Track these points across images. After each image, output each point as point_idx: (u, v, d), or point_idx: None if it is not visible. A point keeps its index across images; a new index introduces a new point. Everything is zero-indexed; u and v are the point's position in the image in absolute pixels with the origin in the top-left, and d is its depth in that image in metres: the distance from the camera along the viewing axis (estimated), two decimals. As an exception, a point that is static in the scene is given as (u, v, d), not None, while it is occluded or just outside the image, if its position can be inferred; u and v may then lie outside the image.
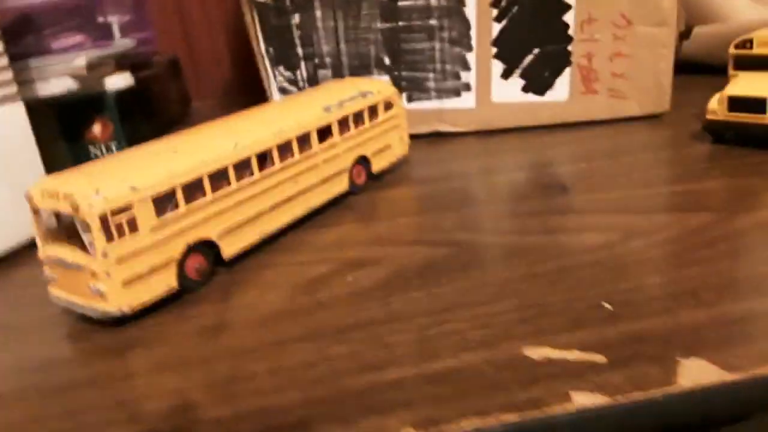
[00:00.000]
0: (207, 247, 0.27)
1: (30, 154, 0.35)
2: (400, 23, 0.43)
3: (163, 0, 0.70)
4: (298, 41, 0.44)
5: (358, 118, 0.36)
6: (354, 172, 0.36)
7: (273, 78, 0.46)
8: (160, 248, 0.25)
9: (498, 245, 0.28)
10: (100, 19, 0.51)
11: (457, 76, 0.44)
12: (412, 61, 0.44)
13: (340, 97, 0.35)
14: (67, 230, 0.26)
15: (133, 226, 0.24)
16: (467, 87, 0.44)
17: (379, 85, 0.37)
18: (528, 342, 0.20)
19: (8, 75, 0.34)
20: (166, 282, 0.26)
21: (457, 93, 0.44)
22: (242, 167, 0.29)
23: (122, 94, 0.47)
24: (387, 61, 0.44)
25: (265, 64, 0.45)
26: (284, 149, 0.31)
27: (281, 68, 0.45)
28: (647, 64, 0.43)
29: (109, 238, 0.23)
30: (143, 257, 0.25)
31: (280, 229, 0.31)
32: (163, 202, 0.25)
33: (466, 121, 0.45)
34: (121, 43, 0.50)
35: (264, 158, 0.30)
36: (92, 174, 0.25)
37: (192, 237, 0.26)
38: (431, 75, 0.44)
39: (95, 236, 0.23)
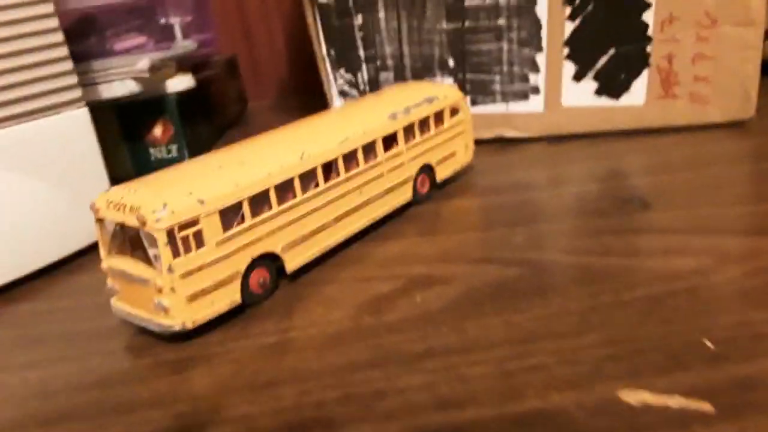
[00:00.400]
0: (270, 261, 0.27)
1: (93, 159, 0.35)
2: (467, 23, 0.41)
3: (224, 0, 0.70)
4: (360, 43, 0.43)
5: (423, 125, 0.34)
6: (418, 181, 0.34)
7: (333, 80, 0.45)
8: (225, 262, 0.24)
9: (576, 267, 0.26)
10: (162, 20, 0.51)
11: (525, 79, 0.42)
12: (477, 62, 0.42)
13: (406, 104, 0.33)
14: (132, 241, 0.26)
15: (199, 240, 0.23)
16: (536, 90, 0.42)
17: (445, 90, 0.36)
18: (623, 383, 0.18)
19: (73, 79, 0.35)
20: (230, 296, 0.25)
21: (524, 96, 0.42)
22: (308, 178, 0.28)
23: (183, 96, 0.47)
24: (451, 63, 0.43)
25: (326, 66, 0.44)
26: (349, 159, 0.30)
27: (342, 70, 0.44)
28: (732, 66, 0.40)
29: (176, 252, 0.23)
30: (208, 272, 0.24)
31: (342, 241, 0.30)
32: (229, 216, 0.25)
33: (533, 126, 0.43)
34: (183, 44, 0.50)
35: (329, 168, 0.29)
36: (158, 186, 0.24)
37: (257, 251, 0.26)
38: (497, 77, 0.42)
39: (161, 251, 0.22)
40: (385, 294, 0.26)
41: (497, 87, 0.43)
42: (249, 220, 0.25)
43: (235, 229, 0.25)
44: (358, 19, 0.43)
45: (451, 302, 0.25)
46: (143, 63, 0.43)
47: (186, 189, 0.24)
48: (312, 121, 0.32)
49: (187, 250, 0.23)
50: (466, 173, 0.39)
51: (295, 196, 0.27)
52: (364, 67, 0.44)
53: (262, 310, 0.26)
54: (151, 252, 0.23)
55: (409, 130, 0.33)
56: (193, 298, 0.24)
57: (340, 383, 0.21)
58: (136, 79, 0.44)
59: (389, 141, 0.32)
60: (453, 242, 0.30)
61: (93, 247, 0.34)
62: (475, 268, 0.27)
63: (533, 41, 0.41)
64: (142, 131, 0.46)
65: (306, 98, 0.68)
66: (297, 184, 0.27)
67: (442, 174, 0.36)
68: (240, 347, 0.24)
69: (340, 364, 0.22)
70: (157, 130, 0.46)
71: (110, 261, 0.25)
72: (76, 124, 0.35)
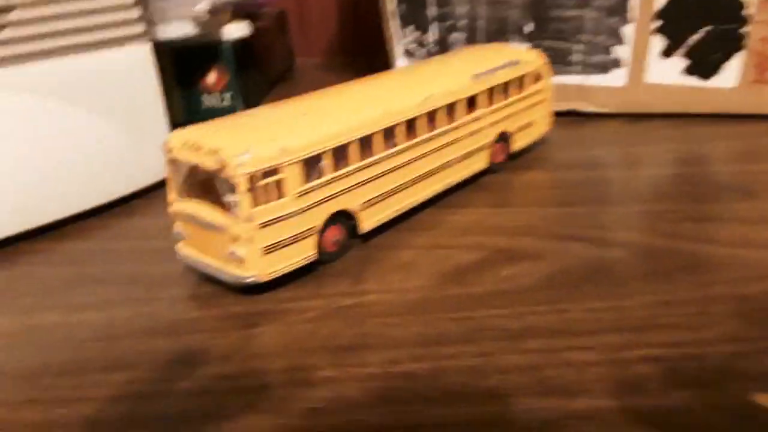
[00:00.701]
0: (345, 219, 0.25)
1: (153, 98, 0.34)
2: (551, -13, 0.39)
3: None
4: (432, 0, 0.41)
5: (505, 89, 0.32)
6: (494, 149, 0.32)
7: (400, 38, 0.42)
8: (303, 216, 0.23)
9: (678, 253, 0.24)
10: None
11: (608, 51, 0.39)
12: (557, 30, 0.40)
13: (490, 65, 0.31)
14: (202, 186, 0.24)
15: (279, 190, 0.22)
16: (618, 63, 0.39)
17: (528, 55, 0.33)
18: (756, 386, 0.17)
19: (137, 13, 0.33)
20: (306, 252, 0.23)
21: (604, 69, 0.40)
22: (389, 135, 0.26)
23: (238, 44, 0.45)
24: (528, 28, 0.40)
25: (394, 23, 0.42)
26: (431, 118, 0.28)
27: (410, 28, 0.42)
28: (835, 54, 0.37)
29: (255, 201, 0.21)
30: (286, 225, 0.22)
31: (416, 205, 0.28)
32: (311, 168, 0.23)
33: (611, 101, 0.40)
34: (242, -11, 0.48)
35: (410, 127, 0.27)
36: (239, 130, 0.22)
37: (334, 207, 0.24)
38: (578, 47, 0.40)
39: (241, 198, 0.21)
40: (468, 264, 0.24)
41: (577, 57, 0.40)
42: (329, 174, 0.23)
43: (315, 182, 0.23)
44: (434, -23, 0.40)
45: (544, 280, 0.23)
46: (204, 4, 0.41)
47: (269, 135, 0.22)
48: (391, 77, 0.30)
49: (267, 199, 0.21)
50: (539, 146, 0.36)
51: (374, 153, 0.25)
52: (434, 26, 0.41)
53: (335, 270, 0.24)
54: (227, 199, 0.21)
55: (490, 94, 0.31)
56: (270, 250, 0.22)
57: (431, 355, 0.19)
58: (194, 20, 0.42)
59: (471, 104, 0.30)
60: (532, 216, 0.28)
61: (146, 191, 0.33)
62: (562, 245, 0.25)
63: (621, 11, 0.38)
64: (196, 77, 0.44)
65: (355, 58, 0.66)
66: (378, 140, 0.25)
67: (518, 144, 0.34)
68: (314, 307, 0.22)
69: (429, 334, 0.20)
70: (212, 77, 0.44)
71: (180, 204, 0.23)
72: (138, 60, 0.33)
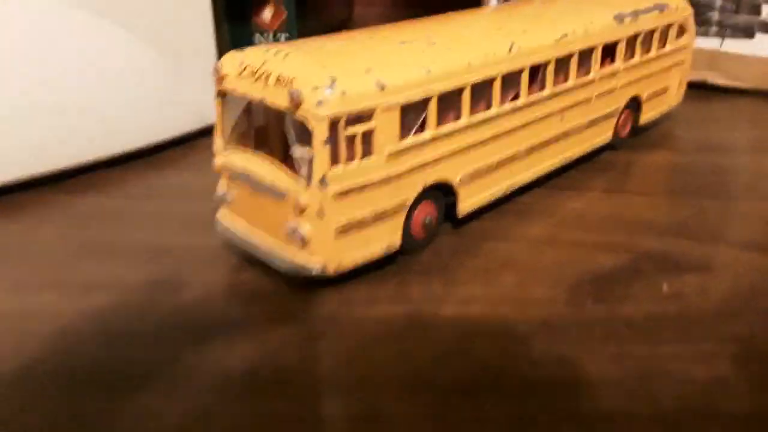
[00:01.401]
0: (441, 195, 0.18)
1: (202, 28, 0.27)
2: None
3: None
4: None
5: (647, 39, 0.25)
6: (620, 119, 0.25)
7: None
8: (393, 186, 0.16)
9: None
10: None
11: (756, 10, 0.31)
12: (694, -22, 0.32)
13: (634, 7, 0.24)
14: (259, 136, 0.18)
15: (368, 145, 0.15)
16: (766, 27, 0.31)
17: (674, 2, 0.26)
18: None
19: None
20: (388, 237, 0.17)
21: (748, 33, 0.32)
22: (509, 83, 0.19)
23: (298, -22, 0.38)
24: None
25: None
26: (560, 67, 0.21)
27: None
28: None
29: (335, 158, 0.15)
30: (371, 196, 0.16)
31: (528, 182, 0.22)
32: (409, 117, 0.16)
33: (749, 74, 0.33)
34: None
35: (534, 75, 0.20)
36: (316, 55, 0.16)
37: (432, 176, 0.17)
38: (718, 2, 0.32)
39: (316, 151, 0.14)
40: (609, 271, 0.18)
41: (714, 15, 0.32)
42: (432, 130, 0.17)
43: (413, 139, 0.16)
44: None
45: (721, 301, 0.16)
46: None
47: (361, 65, 0.15)
48: (507, 10, 0.23)
49: (351, 156, 0.15)
50: (664, 121, 0.29)
51: (490, 106, 0.19)
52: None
53: (422, 264, 0.18)
54: (295, 152, 0.15)
55: (632, 44, 0.24)
56: (345, 230, 0.16)
57: (591, 396, 0.13)
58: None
59: (606, 54, 0.23)
60: (679, 209, 0.21)
61: (184, 139, 0.27)
62: (731, 252, 0.18)
63: (783, -42, 0.30)
64: (249, 12, 0.38)
65: (418, 11, 0.59)
66: (497, 88, 0.18)
67: (647, 114, 0.27)
68: (397, 315, 0.16)
69: (573, 378, 0.14)
70: (267, 13, 0.38)
71: (229, 156, 0.17)
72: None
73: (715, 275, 0.17)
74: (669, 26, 0.25)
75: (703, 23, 0.32)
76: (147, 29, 0.24)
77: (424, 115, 0.17)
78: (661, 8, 0.25)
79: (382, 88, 0.15)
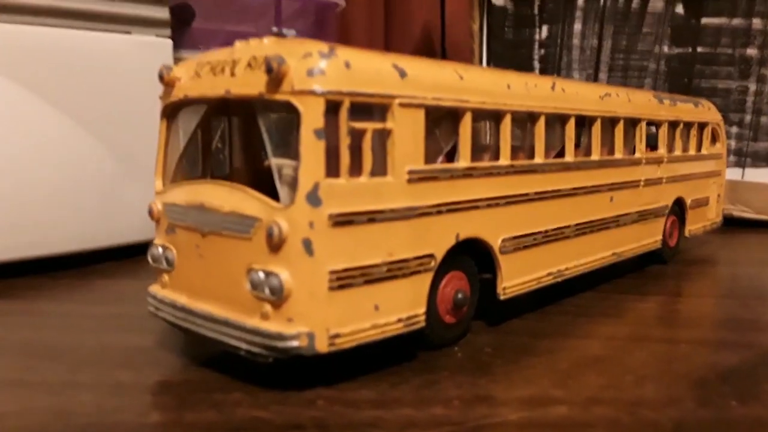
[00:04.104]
0: (474, 267, 0.13)
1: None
2: (699, 49, 0.30)
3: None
4: (537, 63, 0.32)
5: (686, 133, 0.22)
6: (668, 224, 0.21)
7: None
8: (418, 226, 0.11)
9: None
10: None
11: (776, 136, 0.30)
12: (704, 107, 0.30)
13: (668, 97, 0.21)
14: (217, 159, 0.13)
15: (381, 155, 0.10)
16: (791, 153, 0.29)
17: (705, 103, 0.24)
18: None
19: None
20: (408, 304, 0.11)
21: (772, 160, 0.30)
22: (553, 135, 0.15)
23: None
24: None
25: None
26: (605, 134, 0.17)
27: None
28: None
29: (333, 165, 0.10)
30: (385, 231, 0.10)
31: (578, 273, 0.16)
32: (437, 135, 0.12)
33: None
34: None
35: (579, 138, 0.16)
36: (312, 42, 0.12)
37: (468, 228, 0.12)
38: (734, 129, 0.30)
39: (304, 148, 0.09)
40: (729, 368, 0.12)
41: (730, 144, 0.30)
42: (466, 160, 0.12)
43: (443, 166, 0.12)
44: (542, 32, 0.32)
45: None
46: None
47: (379, 55, 0.11)
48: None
49: (356, 167, 0.10)
50: (692, 247, 0.25)
51: (532, 156, 0.14)
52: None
53: (454, 359, 0.12)
54: (272, 162, 0.10)
55: (671, 132, 0.20)
56: (344, 281, 0.10)
57: None
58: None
59: (648, 144, 0.20)
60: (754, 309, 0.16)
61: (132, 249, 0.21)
62: None
63: (794, 85, 0.29)
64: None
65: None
66: (540, 131, 0.14)
67: (692, 225, 0.23)
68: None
69: None
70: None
71: (172, 192, 0.12)
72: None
73: None
74: (704, 126, 0.23)
75: (720, 151, 0.30)
76: (99, 125, 0.20)
77: (455, 140, 0.12)
78: (695, 103, 0.22)
79: (402, 74, 0.11)
